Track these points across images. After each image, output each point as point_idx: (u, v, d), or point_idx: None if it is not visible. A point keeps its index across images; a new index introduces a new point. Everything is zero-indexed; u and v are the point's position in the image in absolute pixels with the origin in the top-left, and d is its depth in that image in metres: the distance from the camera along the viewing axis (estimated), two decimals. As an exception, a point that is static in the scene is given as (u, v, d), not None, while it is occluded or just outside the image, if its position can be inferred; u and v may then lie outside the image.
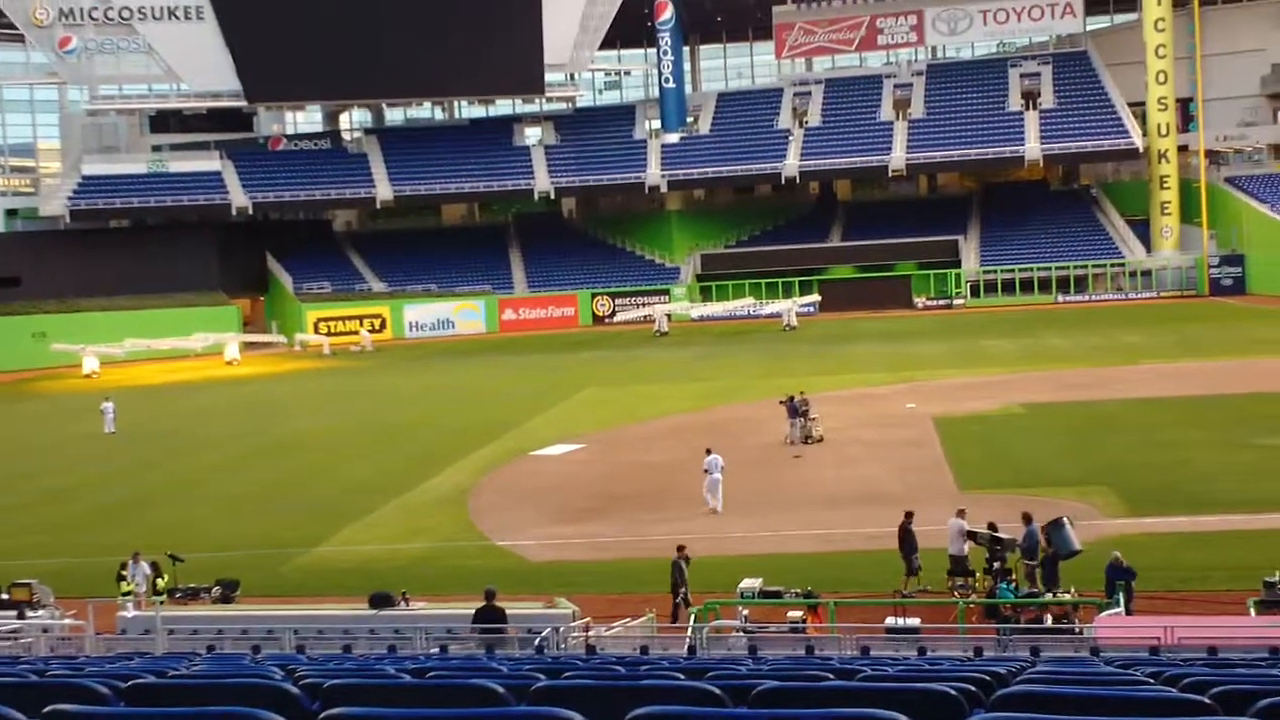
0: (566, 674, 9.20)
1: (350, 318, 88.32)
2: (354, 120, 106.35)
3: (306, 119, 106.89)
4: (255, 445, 44.14)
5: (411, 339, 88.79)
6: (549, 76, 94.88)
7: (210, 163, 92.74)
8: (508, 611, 19.24)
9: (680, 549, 22.50)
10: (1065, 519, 22.27)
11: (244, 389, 63.25)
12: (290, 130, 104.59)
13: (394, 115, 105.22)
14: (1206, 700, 6.76)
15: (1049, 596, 21.28)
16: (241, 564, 26.30)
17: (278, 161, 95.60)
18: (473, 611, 19.19)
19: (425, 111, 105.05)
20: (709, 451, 30.34)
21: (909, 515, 23.68)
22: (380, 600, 20.66)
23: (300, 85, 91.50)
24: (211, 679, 8.71)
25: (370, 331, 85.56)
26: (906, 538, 23.26)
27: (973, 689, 7.30)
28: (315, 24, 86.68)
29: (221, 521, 31.61)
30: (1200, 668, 10.36)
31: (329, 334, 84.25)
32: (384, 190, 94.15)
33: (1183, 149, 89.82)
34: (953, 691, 6.97)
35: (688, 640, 18.47)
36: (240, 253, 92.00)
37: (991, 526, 22.97)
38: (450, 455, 39.11)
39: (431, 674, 9.11)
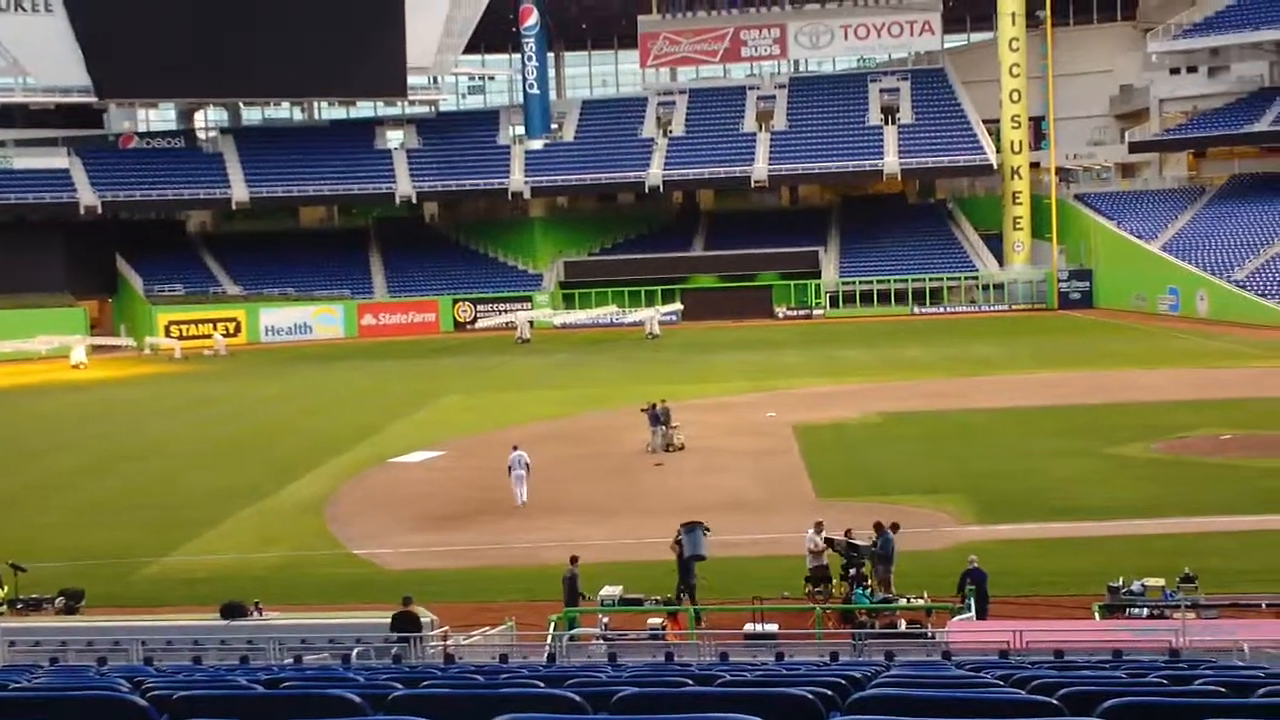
0: (424, 683, 9.09)
1: (203, 321, 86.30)
2: (209, 119, 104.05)
3: (160, 117, 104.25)
4: (103, 452, 42.89)
5: (267, 343, 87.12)
6: (411, 79, 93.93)
7: (57, 160, 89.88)
8: (363, 621, 19.00)
9: (574, 559, 22.37)
10: (701, 525, 23.33)
11: (91, 394, 61.45)
12: (143, 128, 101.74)
13: (251, 115, 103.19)
14: (1054, 701, 6.92)
15: (903, 602, 21.65)
16: (88, 574, 25.54)
17: (129, 160, 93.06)
18: (320, 620, 18.92)
19: (284, 112, 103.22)
20: (515, 448, 31.74)
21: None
22: (232, 610, 20.23)
23: (153, 82, 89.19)
24: (55, 692, 8.42)
25: (224, 335, 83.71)
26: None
27: (829, 693, 7.37)
28: (170, 20, 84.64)
29: (67, 530, 30.65)
30: (1048, 670, 10.61)
31: (181, 338, 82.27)
32: (240, 191, 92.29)
33: (1035, 166, 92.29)
34: (810, 695, 7.03)
35: (547, 648, 18.40)
36: (88, 253, 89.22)
37: (848, 534, 23.31)
38: (307, 462, 38.48)
39: (285, 684, 8.93)
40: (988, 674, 9.62)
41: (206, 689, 8.56)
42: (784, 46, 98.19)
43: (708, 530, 23.54)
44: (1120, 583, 20.94)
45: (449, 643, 19.14)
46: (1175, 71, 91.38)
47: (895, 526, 23.04)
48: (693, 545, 23.04)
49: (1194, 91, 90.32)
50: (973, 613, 20.31)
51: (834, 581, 22.79)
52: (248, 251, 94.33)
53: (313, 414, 49.96)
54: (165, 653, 17.88)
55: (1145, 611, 20.19)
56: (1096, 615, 20.25)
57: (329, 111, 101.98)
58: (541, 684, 8.70)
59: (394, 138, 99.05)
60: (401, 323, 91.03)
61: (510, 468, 31.41)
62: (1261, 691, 7.56)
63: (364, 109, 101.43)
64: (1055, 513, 28.01)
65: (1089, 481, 31.06)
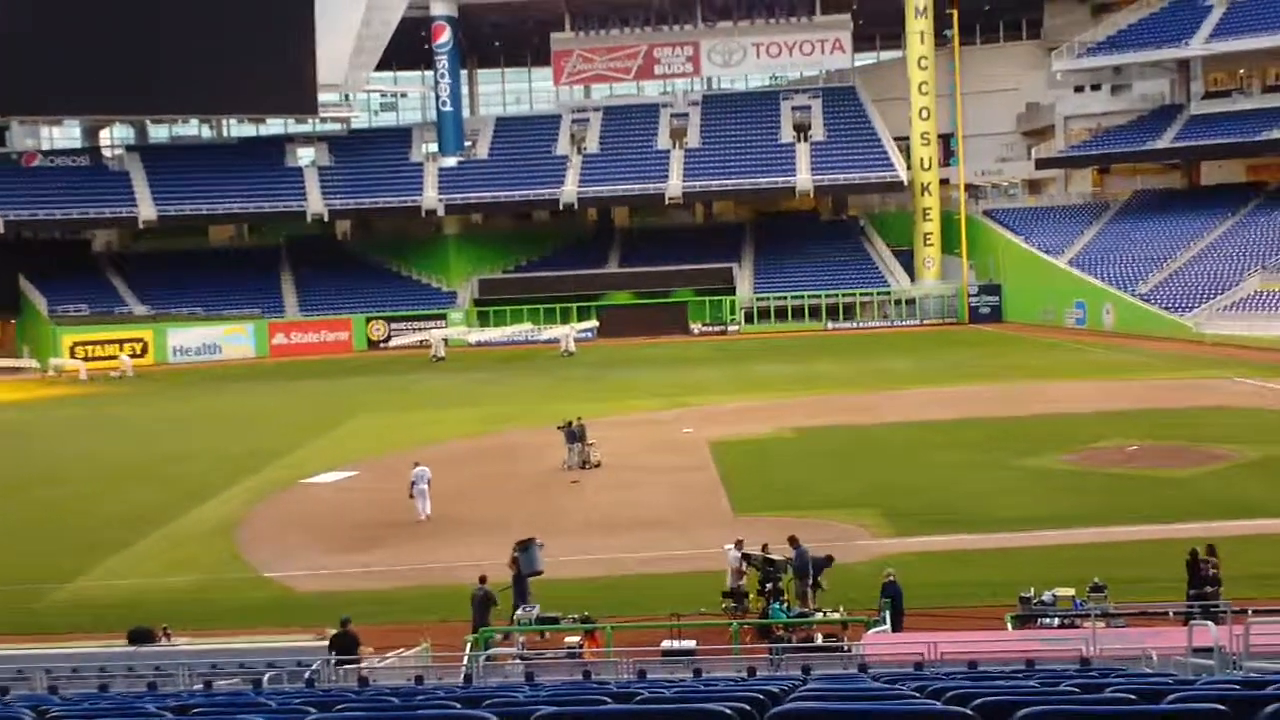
0: (339, 706, 8.95)
1: (110, 342, 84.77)
2: (115, 137, 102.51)
3: (64, 134, 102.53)
4: (6, 476, 41.87)
5: (176, 364, 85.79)
6: (322, 96, 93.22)
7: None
8: (275, 645, 18.73)
9: (482, 579, 22.31)
10: (535, 540, 23.60)
11: (-5, 416, 60.11)
12: (46, 146, 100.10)
13: (158, 132, 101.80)
14: (969, 711, 6.95)
15: (819, 616, 21.73)
16: (-10, 601, 24.92)
17: (32, 178, 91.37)
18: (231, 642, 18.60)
19: (192, 129, 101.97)
20: (416, 464, 32.25)
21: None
22: (139, 636, 19.83)
23: (57, 99, 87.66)
24: (-48, 724, 8.18)
25: (131, 356, 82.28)
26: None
27: (747, 708, 7.36)
28: (74, 35, 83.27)
29: (-32, 556, 29.87)
30: (962, 681, 10.69)
31: (86, 359, 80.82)
32: (147, 210, 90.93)
33: (944, 182, 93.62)
34: (728, 711, 7.02)
35: (464, 669, 18.24)
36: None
37: (764, 549, 23.37)
38: (217, 485, 37.88)
39: (195, 711, 8.75)
40: (903, 685, 9.67)
41: (113, 717, 8.36)
42: (697, 64, 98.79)
43: (542, 545, 23.72)
44: (1031, 593, 21.19)
45: (364, 665, 18.90)
46: (1080, 89, 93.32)
47: (528, 543, 23.49)
48: (529, 562, 23.14)
49: (1098, 109, 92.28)
50: (888, 625, 20.45)
51: (751, 597, 22.83)
52: (155, 271, 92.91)
53: (222, 435, 49.22)
54: (71, 680, 17.46)
55: (1056, 621, 20.44)
56: (1009, 625, 20.46)
57: (238, 129, 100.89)
58: (458, 705, 8.60)
59: (305, 155, 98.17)
60: (313, 342, 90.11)
61: (412, 483, 31.68)
62: (1170, 698, 7.67)
63: (274, 126, 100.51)
64: (967, 525, 28.30)
65: (1000, 493, 31.43)
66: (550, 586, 24.37)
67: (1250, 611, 18.39)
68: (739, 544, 23.49)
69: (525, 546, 23.39)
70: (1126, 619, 20.37)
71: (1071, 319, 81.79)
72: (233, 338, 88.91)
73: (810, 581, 22.86)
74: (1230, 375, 53.31)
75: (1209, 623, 16.95)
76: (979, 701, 7.35)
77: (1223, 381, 51.54)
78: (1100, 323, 78.57)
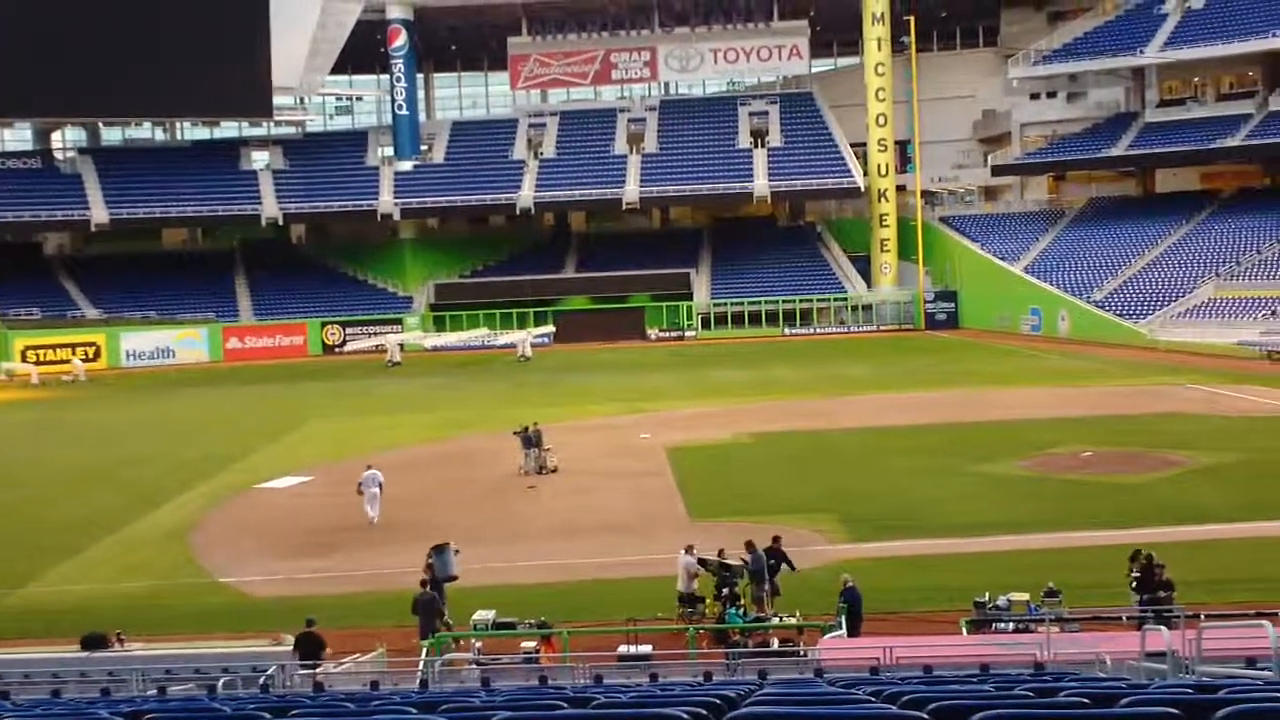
0: (293, 712, 8.89)
1: (62, 346, 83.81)
2: (67, 139, 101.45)
3: (15, 137, 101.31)
4: (-44, 480, 41.39)
5: (129, 368, 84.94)
6: (277, 99, 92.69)
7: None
8: (230, 651, 18.62)
9: (423, 583, 22.27)
10: (450, 544, 23.64)
11: (-56, 421, 59.35)
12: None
13: (111, 135, 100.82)
14: (924, 715, 6.98)
15: (776, 620, 21.77)
16: (-62, 607, 24.60)
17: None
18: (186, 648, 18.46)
19: (145, 132, 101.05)
20: (369, 467, 32.20)
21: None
22: (92, 642, 19.63)
23: (8, 101, 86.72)
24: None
25: (84, 360, 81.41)
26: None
27: (704, 712, 7.36)
28: (25, 37, 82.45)
29: (-84, 562, 29.47)
30: (917, 685, 10.73)
31: (38, 363, 79.91)
32: (99, 213, 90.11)
33: (901, 189, 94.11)
34: (684, 715, 7.01)
35: (419, 674, 18.17)
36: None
37: (720, 554, 23.41)
38: (171, 490, 37.56)
39: (149, 716, 8.67)
40: (859, 690, 9.70)
41: (63, 724, 8.26)
42: (654, 69, 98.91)
43: (458, 551, 23.72)
44: (986, 598, 21.31)
45: (318, 671, 18.79)
46: (1036, 97, 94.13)
47: (442, 547, 23.49)
48: (443, 567, 23.12)
49: (1054, 116, 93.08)
50: (844, 630, 20.52)
51: (708, 601, 22.84)
52: (108, 274, 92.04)
53: (176, 440, 48.79)
54: (23, 686, 17.23)
55: (1011, 626, 20.56)
56: (964, 630, 20.56)
57: (192, 132, 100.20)
58: (414, 710, 8.54)
59: (259, 159, 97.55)
60: (268, 346, 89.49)
61: (361, 486, 31.64)
62: (1124, 702, 7.73)
63: (228, 129, 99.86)
64: (923, 530, 28.44)
65: (956, 499, 31.60)
66: (507, 592, 24.33)
67: (1202, 616, 18.56)
68: (689, 549, 23.47)
69: (440, 551, 23.35)
70: (1081, 624, 20.52)
71: (1027, 325, 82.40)
72: (186, 342, 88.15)
73: (766, 585, 22.91)
74: (1184, 382, 53.84)
75: (1162, 627, 17.09)
76: (934, 706, 7.38)
77: (1176, 388, 52.05)
78: (1055, 329, 79.18)
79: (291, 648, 19.57)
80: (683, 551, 23.42)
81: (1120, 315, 74.27)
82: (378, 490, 31.56)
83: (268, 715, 8.08)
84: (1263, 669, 13.32)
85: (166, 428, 53.03)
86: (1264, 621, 14.27)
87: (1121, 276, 79.08)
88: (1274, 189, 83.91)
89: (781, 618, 21.85)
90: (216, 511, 34.60)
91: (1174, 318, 71.86)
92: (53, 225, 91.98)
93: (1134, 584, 21.54)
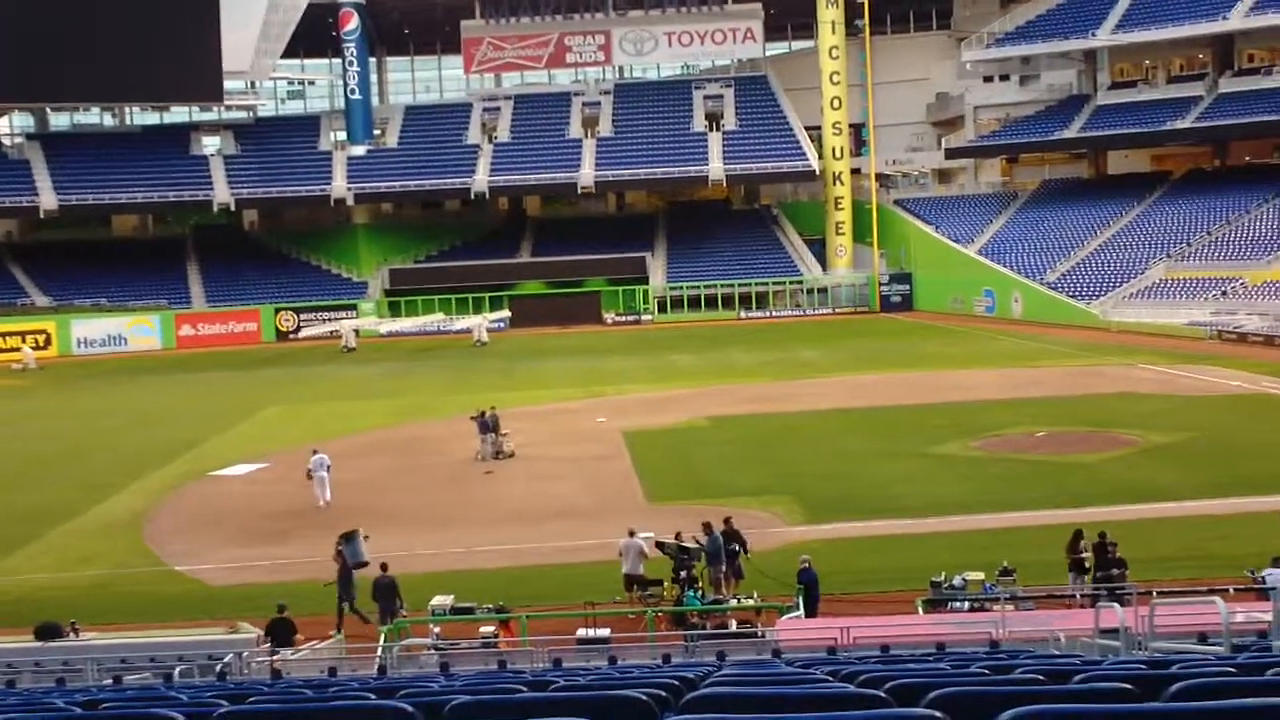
0: (251, 699, 8.85)
1: (11, 334, 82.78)
2: (14, 124, 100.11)
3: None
4: (-96, 471, 40.89)
5: (80, 356, 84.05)
6: (228, 84, 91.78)
7: None
8: (186, 639, 18.53)
9: (384, 566, 22.27)
10: (359, 531, 23.79)
11: (-109, 410, 58.55)
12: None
13: (59, 120, 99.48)
14: (882, 694, 7.02)
15: (734, 602, 21.87)
16: (-113, 599, 24.31)
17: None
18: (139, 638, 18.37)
19: (94, 117, 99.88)
20: (315, 451, 32.45)
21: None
22: (47, 631, 19.51)
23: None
24: None
25: (34, 349, 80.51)
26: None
27: (663, 694, 7.37)
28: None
29: None
30: (874, 665, 10.79)
31: (-12, 351, 79.01)
32: (48, 199, 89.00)
33: (855, 172, 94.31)
34: (644, 697, 7.02)
35: (378, 660, 18.12)
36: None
37: (678, 536, 23.47)
38: (124, 478, 37.25)
39: (105, 705, 8.59)
40: (817, 670, 9.74)
41: (21, 713, 8.19)
42: (609, 53, 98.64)
43: (367, 537, 23.80)
44: (942, 577, 21.49)
45: (275, 658, 18.72)
46: (989, 80, 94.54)
47: (352, 534, 23.59)
48: (353, 554, 23.18)
49: (1007, 99, 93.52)
50: (801, 611, 20.63)
51: (665, 584, 22.89)
52: (57, 262, 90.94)
53: (129, 428, 48.39)
54: (-26, 679, 17.08)
55: (966, 605, 20.76)
56: (920, 610, 20.73)
57: (141, 117, 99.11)
58: (372, 696, 8.52)
59: (211, 144, 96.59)
60: (221, 333, 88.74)
61: (310, 470, 31.85)
62: (1078, 678, 7.80)
63: (179, 114, 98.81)
64: (879, 511, 28.63)
65: (911, 480, 31.82)
66: (465, 577, 24.31)
67: (1154, 593, 18.80)
68: (632, 533, 23.42)
69: (350, 538, 23.39)
70: (1035, 602, 20.73)
71: (981, 307, 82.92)
72: (138, 329, 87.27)
73: (724, 567, 23.00)
74: (1135, 362, 54.37)
75: (1115, 604, 17.28)
76: (891, 684, 7.42)
77: (1128, 368, 52.55)
78: (1009, 311, 79.74)
79: (263, 633, 19.67)
80: (627, 536, 23.38)
81: (1073, 296, 74.87)
82: (325, 474, 31.75)
83: (225, 703, 8.03)
84: (1214, 644, 13.50)
85: (118, 416, 52.56)
86: (1215, 598, 14.47)
87: (1074, 258, 79.70)
88: (1224, 170, 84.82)
89: (740, 599, 21.95)
90: (171, 499, 34.37)
91: (1126, 299, 72.52)
92: (1, 212, 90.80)
93: (1083, 564, 21.79)
